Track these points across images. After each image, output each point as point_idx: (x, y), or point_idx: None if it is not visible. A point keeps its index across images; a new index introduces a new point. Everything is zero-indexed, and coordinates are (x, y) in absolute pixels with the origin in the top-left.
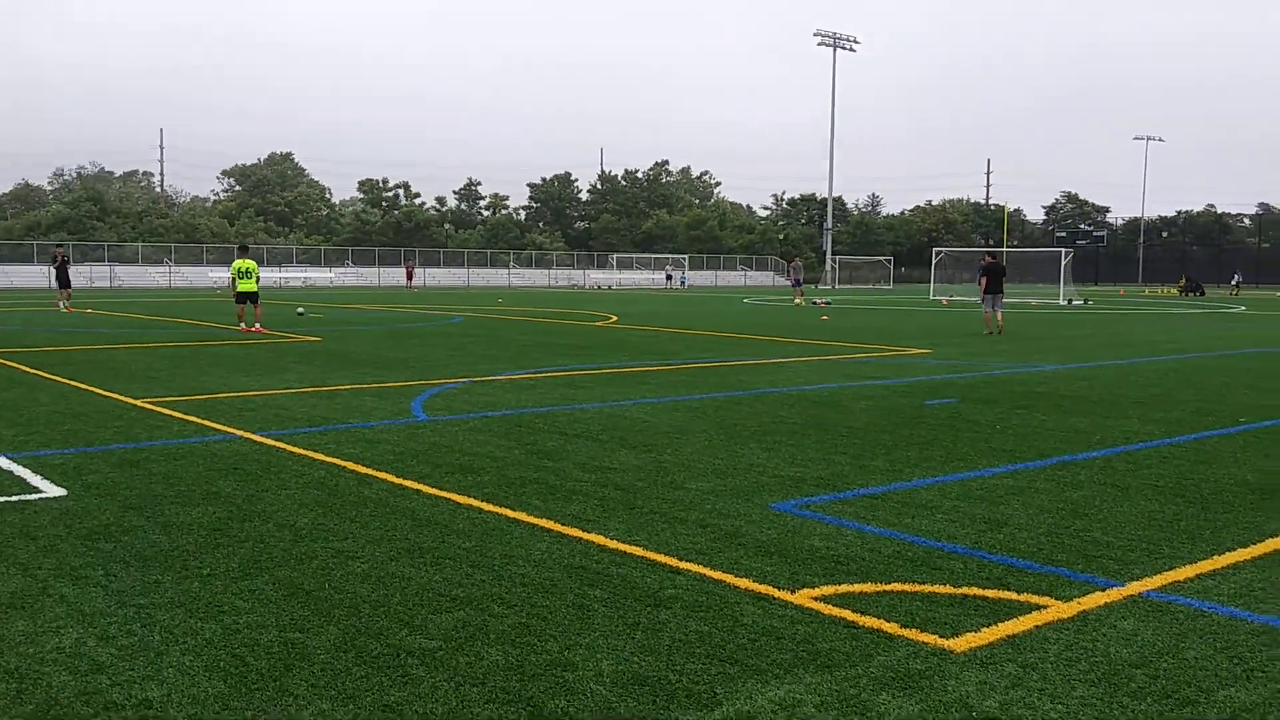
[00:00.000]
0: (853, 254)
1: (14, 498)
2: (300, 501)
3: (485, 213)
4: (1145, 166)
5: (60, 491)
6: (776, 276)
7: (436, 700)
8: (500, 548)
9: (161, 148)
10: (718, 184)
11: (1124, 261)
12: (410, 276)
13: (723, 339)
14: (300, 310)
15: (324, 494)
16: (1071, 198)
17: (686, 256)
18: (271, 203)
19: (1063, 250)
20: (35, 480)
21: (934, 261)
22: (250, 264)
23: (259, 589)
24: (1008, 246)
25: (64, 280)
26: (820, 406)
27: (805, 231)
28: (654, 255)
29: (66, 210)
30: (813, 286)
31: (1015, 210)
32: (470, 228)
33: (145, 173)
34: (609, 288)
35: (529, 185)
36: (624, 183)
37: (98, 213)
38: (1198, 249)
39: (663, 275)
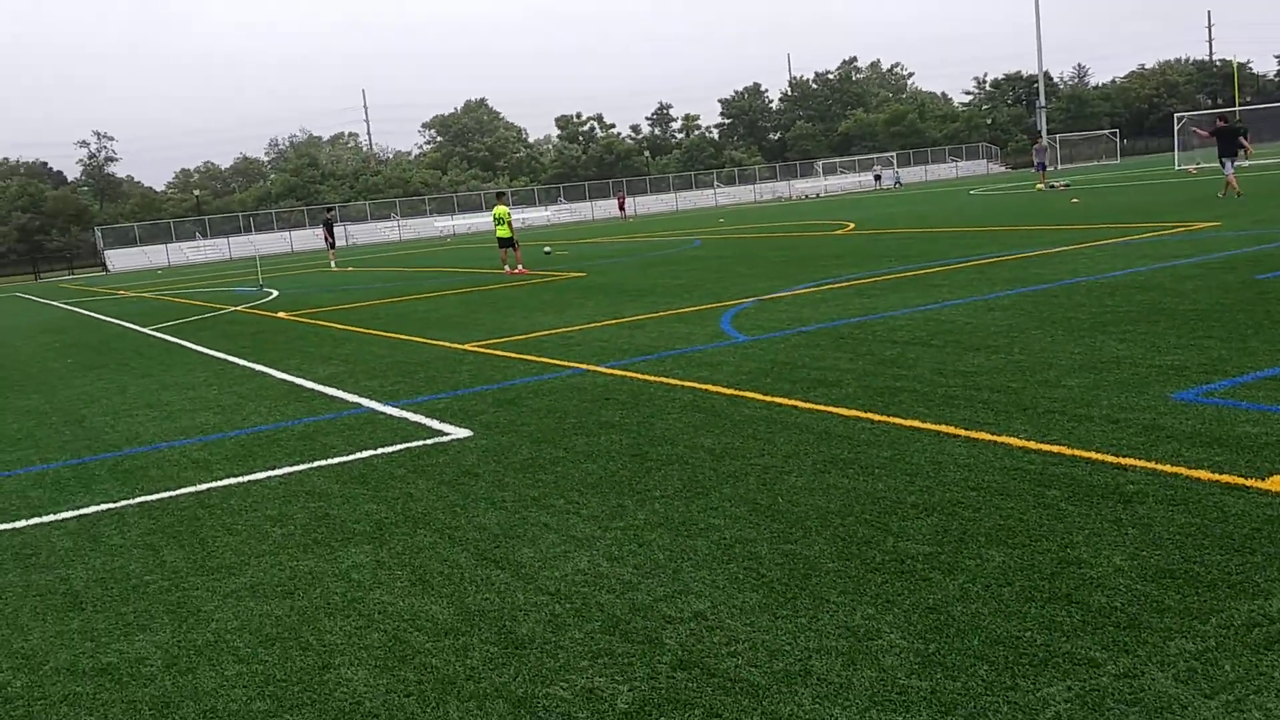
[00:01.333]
0: (1068, 130)
1: (428, 441)
2: (691, 424)
3: (679, 135)
4: None
5: (465, 432)
6: (990, 164)
7: (977, 600)
8: (921, 455)
9: (365, 108)
10: (910, 75)
11: None
12: (622, 207)
13: (981, 233)
14: (547, 249)
15: (706, 416)
16: None
17: (894, 154)
18: (474, 149)
19: None
20: (433, 424)
21: (1177, 128)
22: (504, 211)
23: (719, 506)
24: (1240, 105)
25: (333, 240)
26: (1146, 291)
27: (1013, 113)
28: (857, 157)
29: (290, 178)
30: (1028, 171)
31: (1245, 63)
32: (666, 152)
33: (351, 133)
34: (816, 196)
35: (720, 101)
36: (815, 86)
37: (319, 177)
38: None
39: (871, 176)
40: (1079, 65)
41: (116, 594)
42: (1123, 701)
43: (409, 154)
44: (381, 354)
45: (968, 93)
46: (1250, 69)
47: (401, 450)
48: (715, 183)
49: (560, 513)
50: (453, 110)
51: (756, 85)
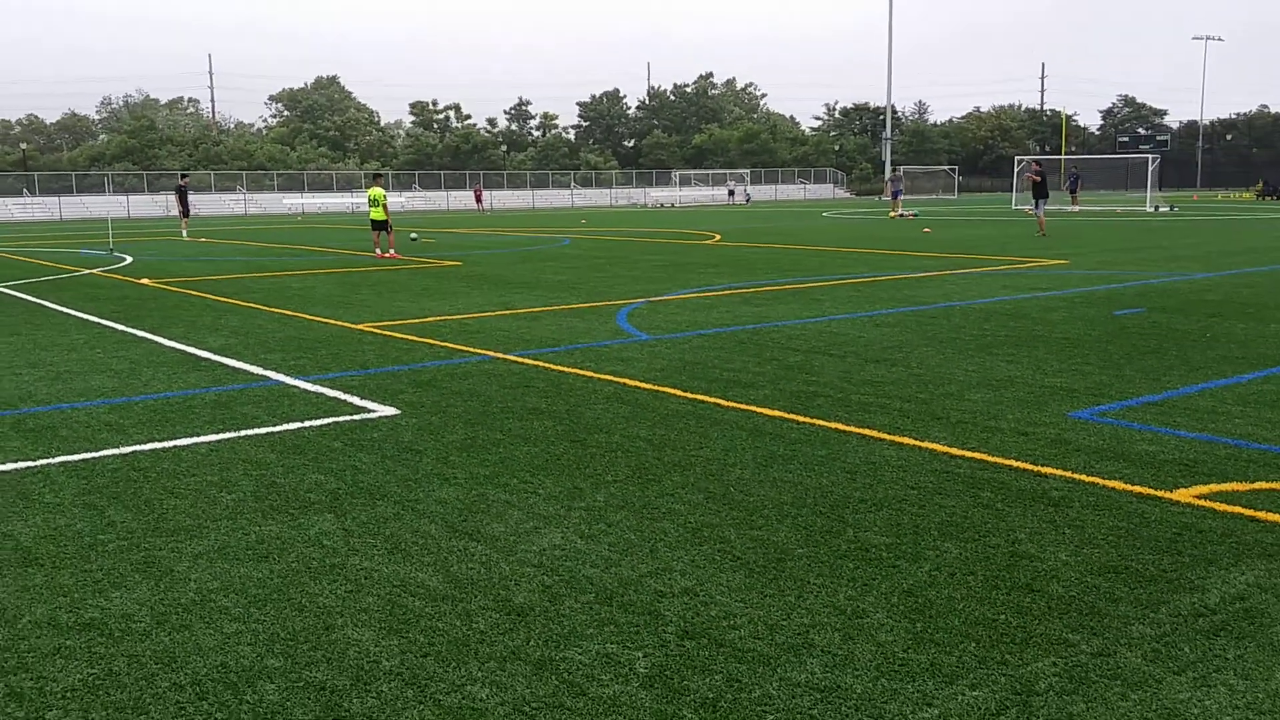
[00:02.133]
0: (908, 163)
1: (355, 416)
2: (620, 415)
3: (536, 132)
4: (1205, 68)
5: (391, 410)
6: (836, 189)
7: (946, 586)
8: (854, 455)
9: (211, 74)
10: (764, 95)
11: (1184, 165)
12: (479, 199)
13: (847, 254)
14: (414, 236)
15: (632, 409)
16: (1129, 101)
17: (748, 172)
18: (323, 127)
19: (1150, 156)
20: (353, 400)
21: (1017, 169)
22: (379, 193)
23: (674, 492)
24: (1065, 153)
25: (185, 209)
26: (1017, 319)
27: (859, 142)
28: (711, 171)
29: (127, 139)
30: (875, 199)
31: (1071, 115)
32: (522, 149)
33: (191, 99)
34: (671, 205)
35: (578, 104)
36: (672, 97)
37: (156, 141)
38: (1258, 151)
39: (724, 191)
40: (919, 102)
41: (72, 551)
42: (1104, 676)
43: (252, 126)
44: (272, 328)
45: (817, 118)
46: (1076, 120)
47: (330, 424)
48: (572, 184)
49: (517, 491)
50: (302, 85)
51: (616, 91)
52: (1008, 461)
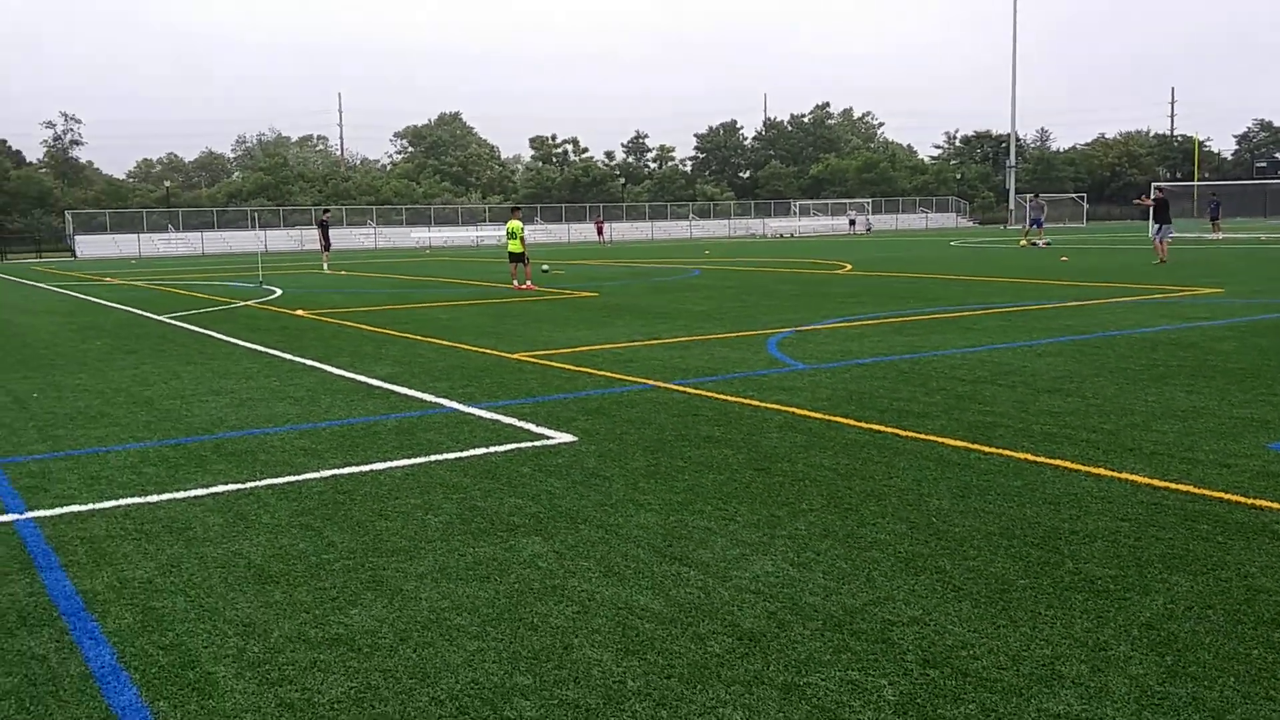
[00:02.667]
0: (1032, 191)
1: (536, 443)
2: (797, 444)
3: (652, 165)
4: None
5: (568, 437)
6: (959, 218)
7: (1188, 619)
8: (1052, 486)
9: (340, 111)
10: (880, 124)
11: None
12: (600, 231)
13: (986, 283)
14: (545, 268)
15: (809, 437)
16: (1265, 125)
17: (868, 201)
18: (446, 163)
19: None
20: (530, 427)
21: (1153, 197)
22: (517, 225)
23: (874, 522)
24: (1199, 179)
25: (327, 242)
26: (1185, 349)
27: (980, 170)
28: (829, 201)
29: (263, 176)
30: (1000, 227)
31: (1204, 140)
32: (639, 181)
33: (320, 136)
34: (791, 235)
35: (695, 135)
36: (789, 128)
37: (290, 177)
38: None
39: (844, 220)
40: (1042, 129)
41: (302, 570)
42: None
43: (378, 162)
44: (432, 357)
45: (937, 146)
46: (1209, 146)
47: (513, 450)
48: (690, 215)
49: (714, 518)
50: (426, 122)
51: (733, 122)
52: (1216, 494)
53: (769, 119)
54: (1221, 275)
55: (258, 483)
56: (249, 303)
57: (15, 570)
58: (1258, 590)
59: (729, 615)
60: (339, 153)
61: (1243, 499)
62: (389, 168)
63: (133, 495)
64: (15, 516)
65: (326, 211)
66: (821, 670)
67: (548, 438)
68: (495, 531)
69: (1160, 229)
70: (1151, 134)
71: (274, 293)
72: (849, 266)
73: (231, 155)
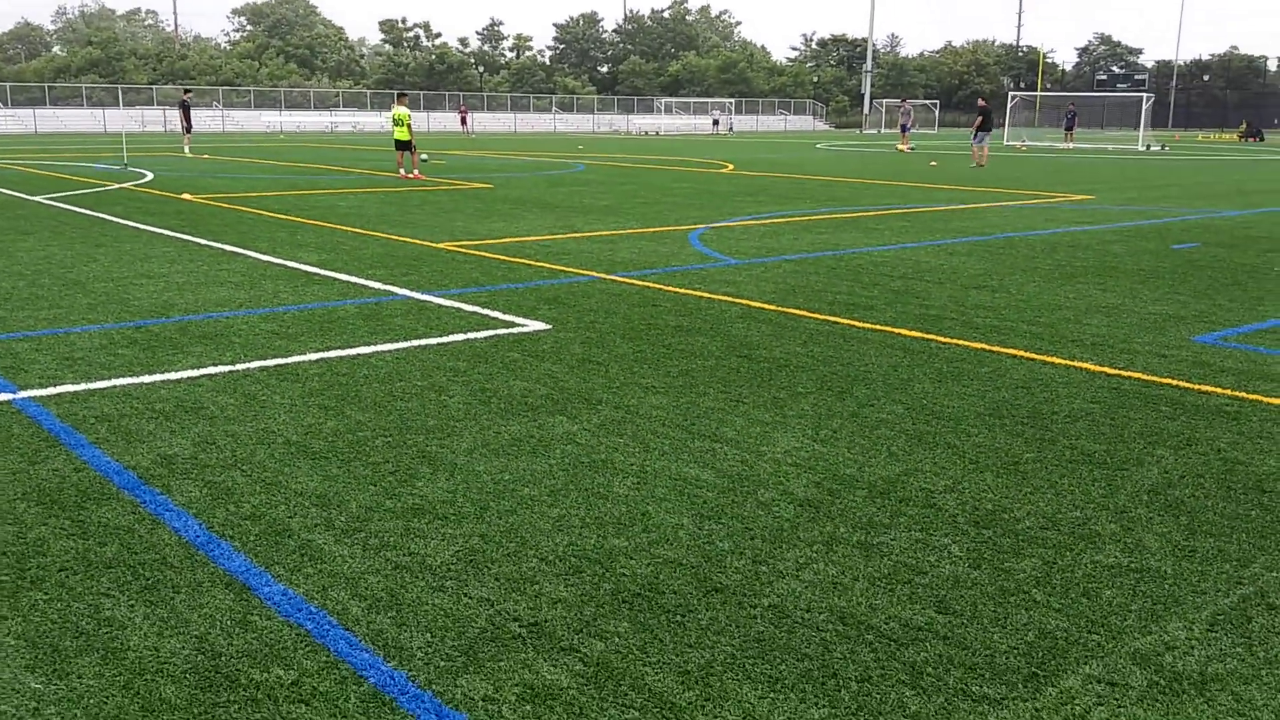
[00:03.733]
0: (885, 96)
1: (513, 330)
2: (766, 334)
3: (509, 54)
4: (1182, 7)
5: (541, 325)
6: (817, 121)
7: (1181, 489)
8: (1017, 372)
9: None
10: (738, 24)
11: (1158, 106)
12: (464, 121)
13: (868, 185)
14: (424, 156)
15: (774, 328)
16: (1104, 39)
17: (731, 102)
18: (291, 44)
19: (1144, 95)
20: (496, 315)
21: (1009, 106)
22: (404, 113)
23: (873, 402)
24: (1041, 90)
25: (189, 124)
26: (1083, 250)
27: (836, 74)
28: (693, 100)
29: (95, 51)
30: (856, 131)
31: (1049, 52)
32: (495, 70)
33: (149, 11)
34: (657, 133)
35: (553, 25)
36: (650, 23)
37: (121, 54)
38: (1231, 93)
39: (708, 120)
40: (892, 35)
41: (344, 447)
42: None
43: (212, 40)
44: (354, 245)
45: (794, 48)
46: (1052, 58)
47: (493, 336)
48: (553, 108)
49: (721, 399)
50: None
51: (593, 13)
52: (1165, 380)
53: (630, 11)
54: (1087, 183)
55: (246, 365)
56: (124, 185)
57: (44, 447)
58: (1234, 462)
59: (780, 485)
60: (171, 29)
61: (1190, 384)
62: (227, 47)
63: (122, 376)
64: (10, 395)
65: (188, 92)
66: (888, 531)
67: (520, 325)
68: (517, 411)
69: (980, 137)
70: (997, 44)
71: (145, 175)
72: (730, 166)
73: (51, 27)
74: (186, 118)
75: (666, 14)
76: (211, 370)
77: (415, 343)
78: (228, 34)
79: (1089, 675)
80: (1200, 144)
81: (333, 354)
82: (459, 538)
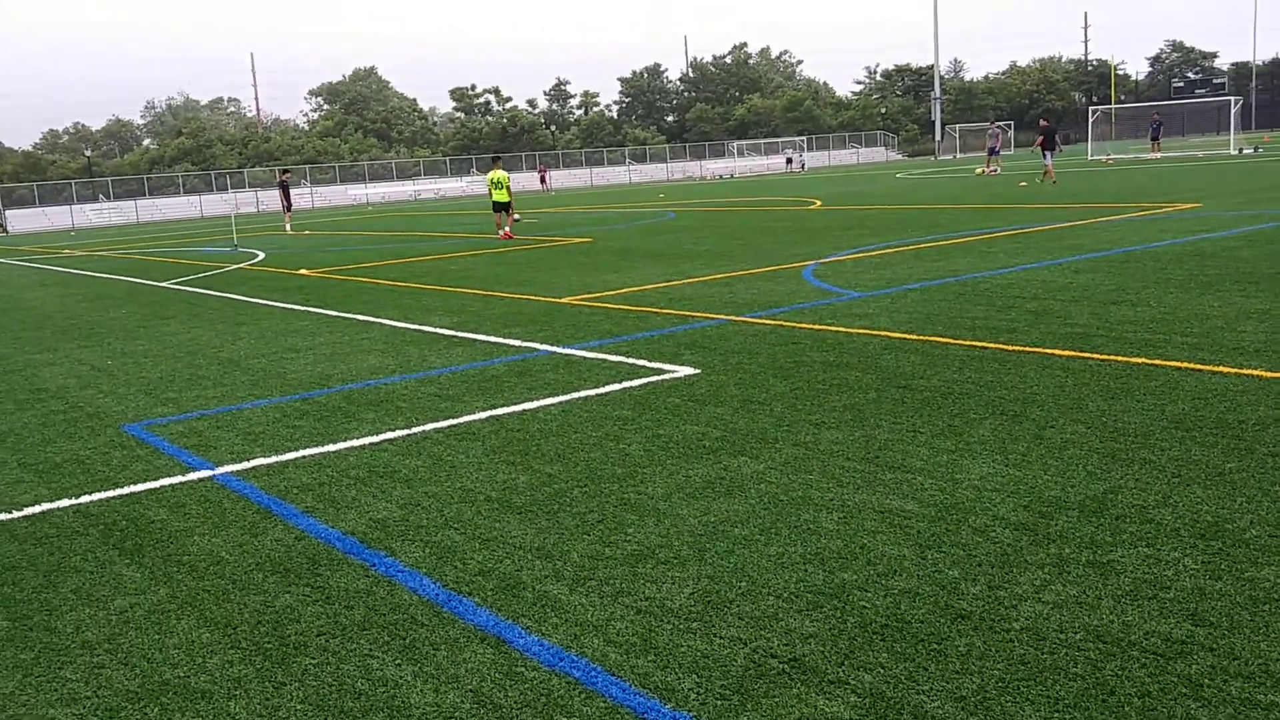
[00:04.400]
0: (956, 121)
1: (664, 377)
2: (920, 364)
3: (578, 111)
4: (1256, 5)
5: (690, 370)
6: (889, 152)
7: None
8: (1188, 383)
9: (254, 71)
10: (799, 62)
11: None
12: (544, 180)
13: (963, 210)
14: (517, 217)
15: (925, 358)
16: (1176, 46)
17: (802, 139)
18: (368, 119)
19: (1230, 99)
20: (643, 363)
21: (1091, 119)
22: (503, 175)
23: (1051, 426)
24: (1115, 102)
25: (289, 203)
26: (1208, 259)
27: (902, 103)
28: (763, 140)
29: (186, 141)
30: (930, 158)
31: (1119, 64)
32: (565, 128)
33: (231, 99)
34: (731, 176)
35: (619, 80)
36: (713, 69)
37: (209, 141)
38: None
39: (780, 160)
40: (955, 60)
41: (543, 499)
42: None
43: (291, 121)
44: (479, 306)
45: (858, 81)
46: (1123, 69)
47: (648, 384)
48: (626, 159)
49: (896, 430)
50: (341, 78)
51: (656, 65)
52: None
53: (693, 60)
54: (1188, 191)
55: (422, 427)
56: (241, 266)
57: (259, 519)
58: None
59: (988, 510)
60: (252, 113)
61: None
62: (308, 127)
63: (308, 447)
64: (210, 472)
65: (286, 172)
66: (1114, 549)
67: (670, 371)
68: (699, 455)
69: (1047, 155)
70: (1065, 59)
71: (256, 255)
72: (819, 202)
73: (141, 121)
74: (286, 196)
75: (728, 59)
76: (390, 435)
77: (575, 395)
78: (306, 114)
79: None
80: None
81: (500, 411)
82: (689, 580)
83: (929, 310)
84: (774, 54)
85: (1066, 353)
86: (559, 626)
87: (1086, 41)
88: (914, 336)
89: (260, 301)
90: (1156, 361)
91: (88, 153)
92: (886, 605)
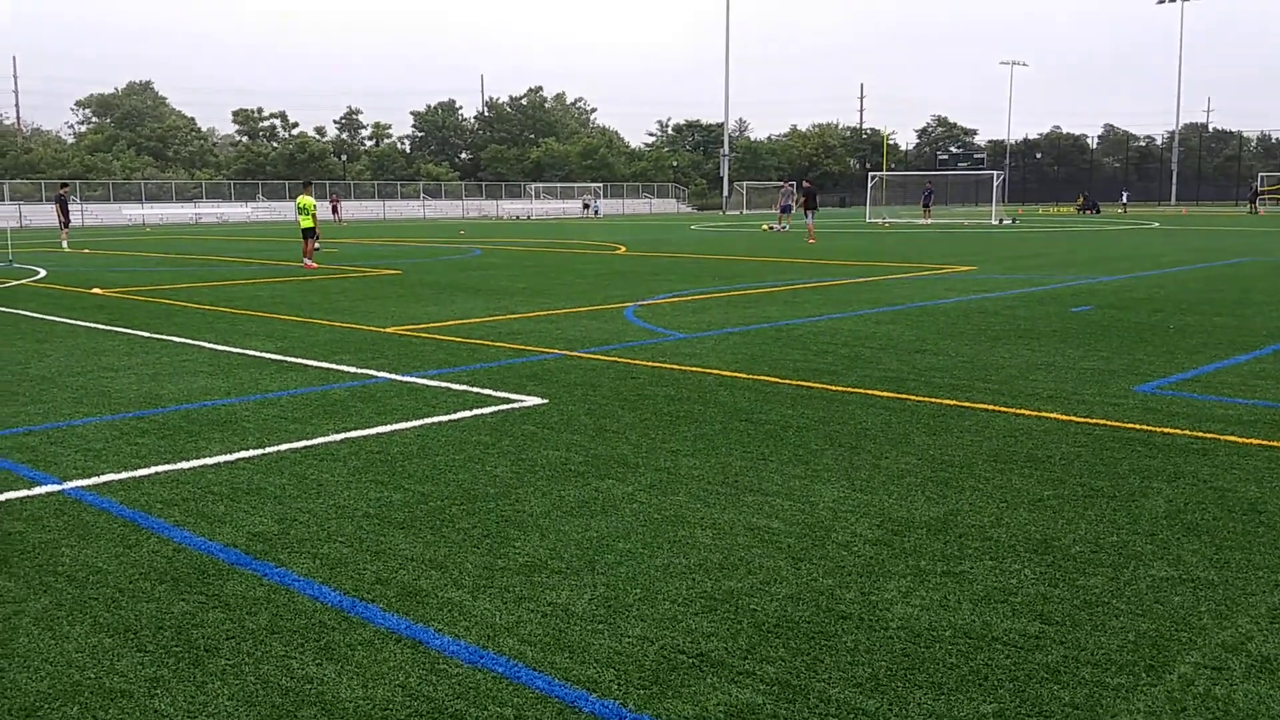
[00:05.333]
0: (740, 179)
1: (514, 405)
2: (754, 400)
3: (369, 142)
4: (1012, 90)
5: (537, 400)
6: (679, 204)
7: (1200, 513)
8: (998, 423)
9: (16, 78)
10: (593, 110)
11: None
12: (335, 210)
13: (763, 262)
14: (316, 246)
15: (758, 395)
16: (941, 121)
17: (600, 186)
18: (143, 135)
19: (995, 173)
20: (488, 392)
21: (869, 185)
22: (309, 201)
23: (891, 456)
24: (887, 170)
25: (66, 219)
26: (991, 316)
27: (692, 158)
28: (559, 185)
29: None
30: (719, 213)
31: (891, 133)
32: (355, 158)
33: None
34: (528, 217)
35: (412, 113)
36: (509, 110)
37: None
38: (1058, 169)
39: (577, 204)
40: (740, 119)
41: (422, 516)
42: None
43: (55, 133)
44: (301, 334)
45: (650, 134)
46: (894, 140)
47: (500, 411)
48: (421, 195)
49: (747, 458)
50: (113, 90)
51: (451, 102)
52: (1129, 425)
53: (488, 99)
54: (963, 255)
55: (276, 448)
56: (22, 281)
57: (128, 533)
58: (1223, 490)
59: (847, 528)
60: (9, 121)
61: (1152, 427)
62: (74, 139)
63: (157, 464)
64: (57, 487)
65: (65, 186)
66: (962, 561)
67: (517, 400)
68: (566, 477)
69: (809, 215)
70: (841, 126)
71: (37, 272)
72: (623, 248)
73: None
74: (64, 212)
75: (524, 100)
76: (244, 454)
77: (428, 420)
78: (72, 126)
79: (1195, 663)
80: (1042, 216)
81: (353, 434)
82: (585, 588)
83: (752, 352)
84: (569, 99)
85: (885, 394)
86: (470, 629)
87: (862, 111)
88: (744, 375)
89: (58, 319)
90: (964, 404)
91: None
92: (774, 609)
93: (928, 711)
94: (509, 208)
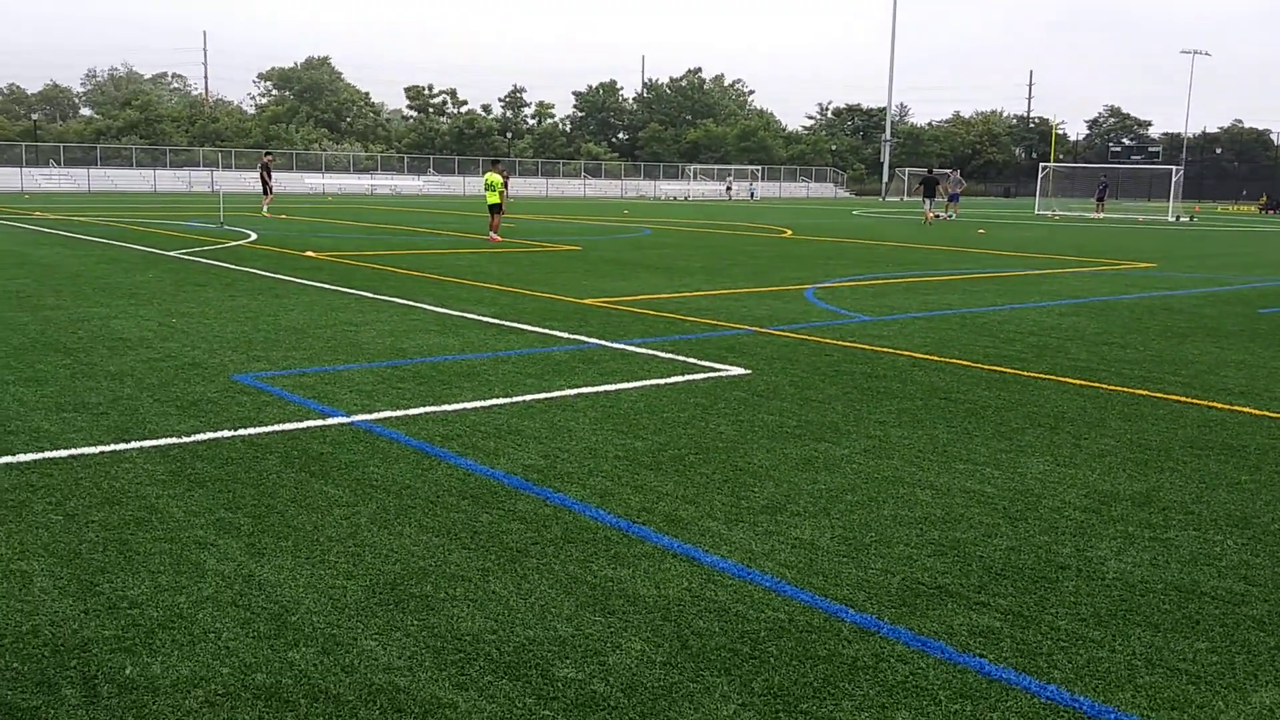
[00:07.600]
0: (902, 165)
1: (721, 374)
2: (949, 382)
3: (531, 120)
4: (1191, 81)
5: (742, 370)
6: (837, 189)
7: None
8: (1192, 414)
9: (205, 50)
10: (751, 92)
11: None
12: (506, 185)
13: (932, 250)
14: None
15: (951, 376)
16: (1114, 111)
17: (759, 169)
18: (319, 109)
19: (1174, 168)
20: (696, 361)
21: (1040, 176)
22: (496, 179)
23: (1088, 438)
24: (1054, 160)
25: (270, 186)
26: (1177, 314)
27: (851, 143)
28: (717, 166)
29: (135, 114)
30: (878, 199)
31: (1059, 124)
32: (519, 137)
33: (176, 75)
34: (686, 199)
35: (574, 94)
36: (669, 91)
37: (157, 117)
38: (1239, 165)
39: (739, 187)
40: (901, 104)
41: (665, 461)
42: None
43: (237, 104)
44: (512, 301)
45: (810, 117)
46: (1062, 130)
47: (710, 378)
48: (582, 174)
49: (951, 432)
50: (293, 65)
51: (612, 82)
52: None
53: (648, 80)
54: (1140, 252)
55: (521, 398)
56: (239, 243)
57: (420, 459)
58: None
59: (1057, 496)
60: (196, 91)
61: None
62: (254, 110)
63: (424, 405)
64: (345, 419)
65: (268, 155)
66: (1167, 530)
67: (723, 370)
68: (786, 437)
69: (928, 201)
70: (1007, 114)
71: (248, 234)
72: (790, 231)
73: (80, 90)
74: (268, 179)
75: (683, 82)
76: (496, 401)
77: (646, 382)
78: (254, 97)
79: None
80: (1222, 216)
81: (585, 390)
82: (825, 529)
83: (939, 337)
84: (727, 81)
85: (1077, 381)
86: (732, 552)
87: (1030, 99)
88: (936, 358)
89: (288, 278)
90: (1156, 394)
91: (35, 115)
92: (998, 556)
93: (1147, 644)
94: (666, 188)
